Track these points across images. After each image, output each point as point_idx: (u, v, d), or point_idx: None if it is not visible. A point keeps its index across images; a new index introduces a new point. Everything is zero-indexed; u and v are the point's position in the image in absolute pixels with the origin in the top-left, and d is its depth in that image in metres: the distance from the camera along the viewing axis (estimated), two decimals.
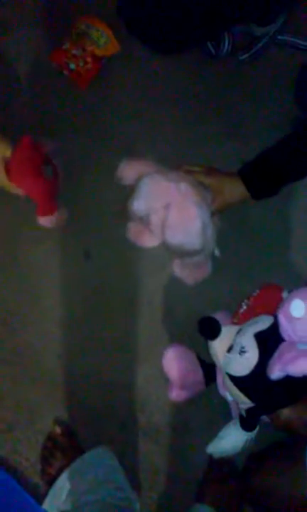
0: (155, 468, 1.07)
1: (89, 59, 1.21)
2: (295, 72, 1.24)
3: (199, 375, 1.03)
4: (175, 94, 1.27)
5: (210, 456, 1.05)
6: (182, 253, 1.04)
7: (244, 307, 0.97)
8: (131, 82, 1.25)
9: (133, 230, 1.13)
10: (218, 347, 0.83)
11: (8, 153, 1.00)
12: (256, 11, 1.21)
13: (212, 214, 1.03)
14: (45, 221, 1.10)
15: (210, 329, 0.83)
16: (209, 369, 1.02)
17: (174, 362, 1.02)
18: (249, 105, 1.27)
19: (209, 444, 0.94)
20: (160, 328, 1.13)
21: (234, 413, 0.96)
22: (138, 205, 1.01)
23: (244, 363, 0.79)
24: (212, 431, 0.96)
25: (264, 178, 0.98)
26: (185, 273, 1.12)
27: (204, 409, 1.08)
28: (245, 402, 0.85)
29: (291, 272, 1.16)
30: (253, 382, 0.80)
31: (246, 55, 1.29)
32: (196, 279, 1.12)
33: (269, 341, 0.79)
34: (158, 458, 1.07)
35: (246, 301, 0.98)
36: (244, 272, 1.15)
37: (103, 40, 1.22)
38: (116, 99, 1.25)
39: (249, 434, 0.90)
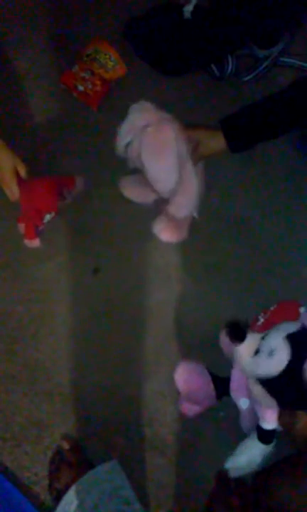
0: (163, 483, 1.06)
1: (97, 81, 1.26)
2: None
3: (210, 389, 1.02)
4: (181, 115, 1.30)
5: (217, 472, 1.04)
6: (159, 188, 1.01)
7: (261, 320, 0.98)
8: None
9: (126, 185, 1.16)
10: (244, 350, 0.84)
11: (20, 167, 1.03)
12: (258, 35, 1.26)
13: (192, 163, 1.01)
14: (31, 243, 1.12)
15: (237, 333, 0.85)
16: (220, 383, 1.01)
17: (185, 377, 1.02)
18: None
19: (226, 462, 0.93)
20: (167, 342, 1.13)
21: (245, 425, 0.95)
22: (123, 128, 0.98)
23: (274, 364, 0.80)
24: (220, 445, 0.96)
25: (244, 132, 0.98)
26: (160, 227, 1.13)
27: (211, 423, 1.07)
28: (269, 406, 0.84)
29: (298, 285, 1.17)
30: (284, 383, 0.80)
31: (249, 76, 1.32)
32: (169, 238, 1.13)
33: (302, 343, 0.80)
34: (165, 473, 1.06)
35: (262, 314, 0.99)
36: (248, 286, 1.16)
37: (111, 64, 1.26)
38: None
39: (266, 448, 0.89)
